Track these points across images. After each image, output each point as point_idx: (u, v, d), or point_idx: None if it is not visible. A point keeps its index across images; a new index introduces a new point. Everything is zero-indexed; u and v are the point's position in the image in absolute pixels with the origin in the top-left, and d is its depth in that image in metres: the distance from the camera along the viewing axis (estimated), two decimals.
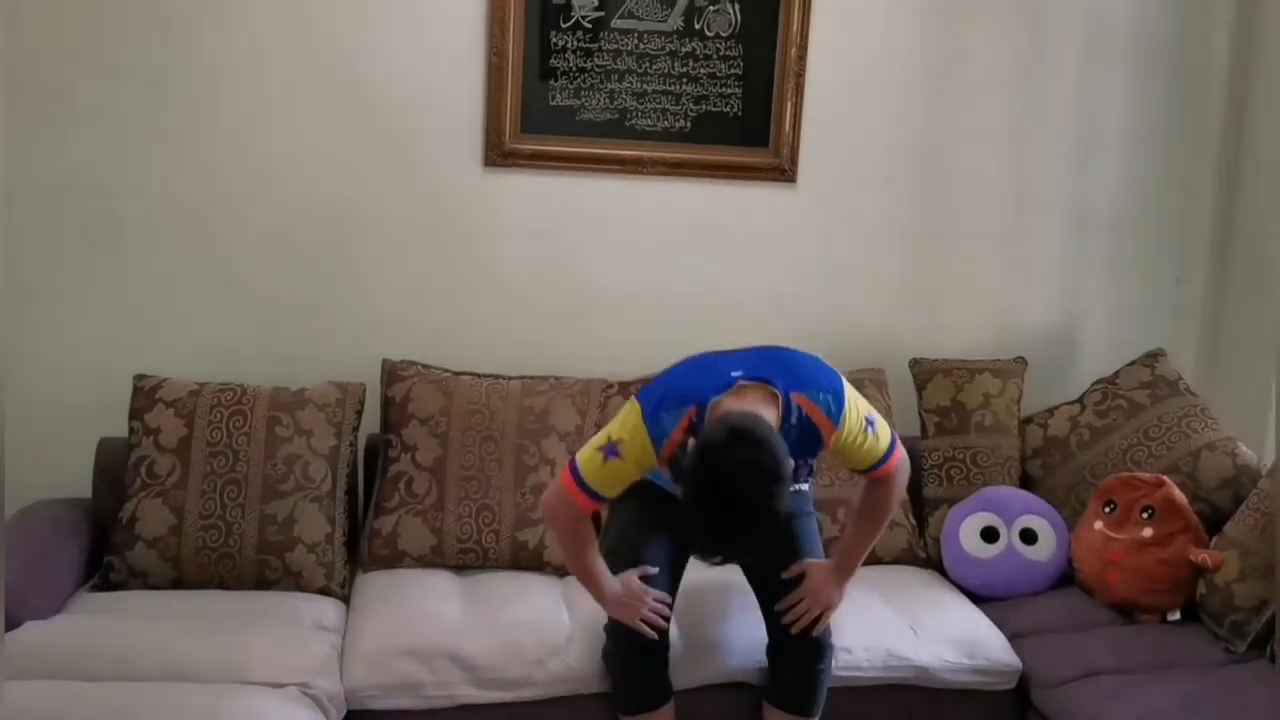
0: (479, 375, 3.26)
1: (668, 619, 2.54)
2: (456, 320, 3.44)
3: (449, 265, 3.42)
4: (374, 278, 3.40)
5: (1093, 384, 3.49)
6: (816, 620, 2.56)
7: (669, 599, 2.57)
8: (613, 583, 2.55)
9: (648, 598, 2.53)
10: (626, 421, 2.39)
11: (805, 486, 2.71)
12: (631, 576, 2.56)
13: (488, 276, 3.44)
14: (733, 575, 2.65)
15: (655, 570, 2.57)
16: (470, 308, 3.44)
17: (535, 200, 3.42)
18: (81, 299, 3.27)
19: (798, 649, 2.57)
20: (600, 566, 2.55)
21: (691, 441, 2.28)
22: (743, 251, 3.54)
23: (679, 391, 2.37)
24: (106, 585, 2.89)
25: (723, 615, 2.78)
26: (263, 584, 2.93)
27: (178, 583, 2.91)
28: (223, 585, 2.92)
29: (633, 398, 2.43)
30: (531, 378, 3.27)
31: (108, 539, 2.94)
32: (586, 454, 2.42)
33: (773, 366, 2.39)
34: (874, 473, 2.51)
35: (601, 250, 3.47)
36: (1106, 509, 3.07)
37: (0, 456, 1.96)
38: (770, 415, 2.29)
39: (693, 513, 2.20)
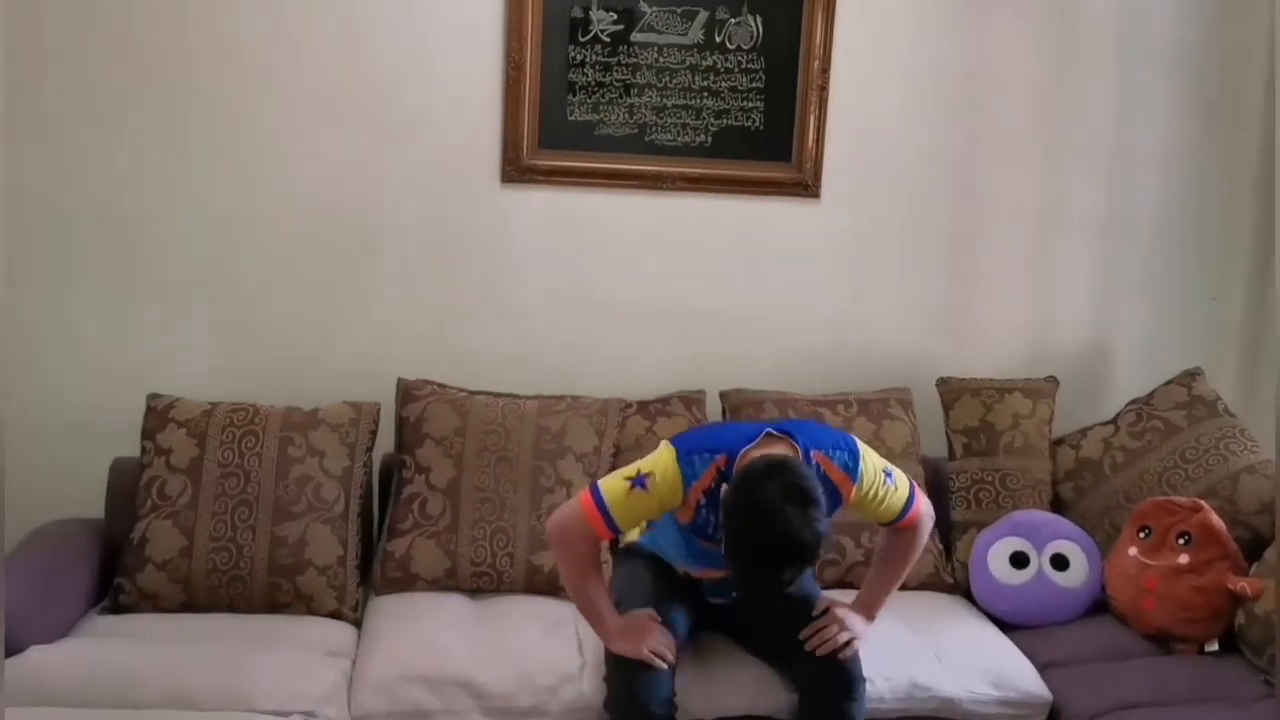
0: (495, 395, 3.20)
1: (672, 660, 2.46)
2: (473, 338, 3.39)
3: (466, 282, 3.37)
4: (390, 295, 3.36)
5: (1127, 404, 3.38)
6: (844, 646, 2.49)
7: (673, 640, 2.49)
8: (616, 615, 2.51)
9: (655, 630, 2.47)
10: (660, 459, 2.41)
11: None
12: (638, 613, 2.51)
13: (505, 293, 3.39)
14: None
15: (660, 622, 2.50)
16: (487, 325, 3.39)
17: (553, 216, 3.37)
18: (96, 317, 3.25)
19: (828, 682, 2.49)
20: (605, 598, 2.53)
21: (721, 488, 2.35)
22: (765, 268, 3.47)
23: (711, 439, 2.46)
24: (116, 608, 2.85)
25: (747, 655, 2.69)
26: (273, 607, 2.88)
27: (188, 605, 2.86)
28: (233, 608, 2.87)
29: (666, 441, 2.47)
30: (548, 397, 3.21)
31: (119, 560, 2.90)
32: (612, 481, 2.44)
33: (793, 426, 2.48)
34: (898, 524, 2.55)
35: (621, 267, 3.41)
36: (1141, 534, 2.97)
37: None
38: None
39: (732, 540, 2.22)
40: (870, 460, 2.47)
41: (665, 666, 2.43)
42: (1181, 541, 2.88)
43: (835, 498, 2.41)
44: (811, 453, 2.40)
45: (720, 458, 2.37)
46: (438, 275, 3.35)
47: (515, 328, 3.40)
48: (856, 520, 3.07)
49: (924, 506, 2.55)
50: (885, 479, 2.47)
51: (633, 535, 2.78)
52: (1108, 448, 3.29)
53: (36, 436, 3.24)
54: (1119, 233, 3.61)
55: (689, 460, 2.38)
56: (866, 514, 2.53)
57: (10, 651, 2.43)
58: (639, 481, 2.39)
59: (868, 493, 2.45)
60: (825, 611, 2.55)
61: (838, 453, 2.44)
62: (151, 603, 2.85)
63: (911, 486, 2.53)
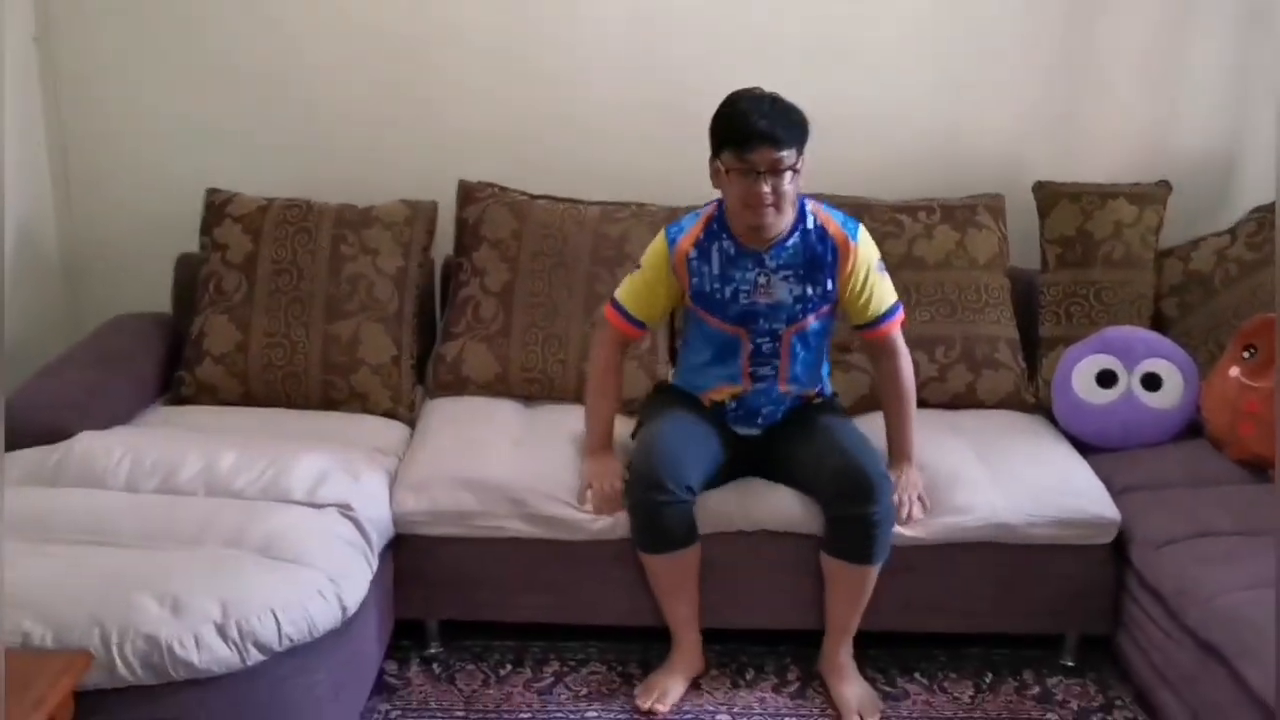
0: (557, 199, 3.08)
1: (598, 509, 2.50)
2: (539, 142, 3.25)
3: (531, 83, 3.21)
4: (455, 97, 3.23)
5: (1249, 212, 3.06)
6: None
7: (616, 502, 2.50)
8: (605, 445, 2.58)
9: (609, 481, 2.50)
10: (653, 241, 2.56)
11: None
12: (615, 464, 2.54)
13: (571, 94, 3.22)
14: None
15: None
16: (554, 128, 3.24)
17: (621, 16, 3.16)
18: (164, 113, 3.22)
19: (847, 491, 2.38)
20: (607, 423, 2.59)
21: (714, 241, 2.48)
22: (854, 60, 3.20)
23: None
24: (178, 399, 2.91)
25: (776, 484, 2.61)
26: (329, 404, 2.89)
27: (246, 399, 2.90)
28: (290, 404, 2.89)
29: None
30: (612, 204, 3.07)
31: (181, 354, 2.94)
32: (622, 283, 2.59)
33: None
34: (878, 328, 2.53)
35: (695, 63, 3.17)
36: (1246, 354, 2.70)
37: None
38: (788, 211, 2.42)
39: (724, 118, 2.36)
40: (867, 240, 2.51)
41: (589, 513, 2.49)
42: (1278, 357, 2.62)
43: (832, 255, 2.45)
44: (807, 202, 2.47)
45: (710, 207, 2.50)
46: (502, 75, 3.20)
47: (583, 130, 3.24)
48: (927, 333, 2.90)
49: (902, 320, 2.57)
50: (878, 266, 2.51)
51: (668, 375, 2.81)
52: (1220, 260, 3.00)
53: (107, 232, 3.29)
54: (1259, 16, 3.17)
55: (675, 225, 2.52)
56: (854, 303, 2.51)
57: (61, 437, 2.49)
58: (636, 266, 2.55)
59: (861, 268, 2.46)
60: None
61: (836, 213, 2.50)
62: (211, 395, 2.89)
63: (898, 299, 2.56)
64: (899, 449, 2.57)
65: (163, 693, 1.96)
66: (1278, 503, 2.28)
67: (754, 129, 2.29)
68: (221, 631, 1.98)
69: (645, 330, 2.61)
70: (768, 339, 2.50)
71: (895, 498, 2.44)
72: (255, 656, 2.02)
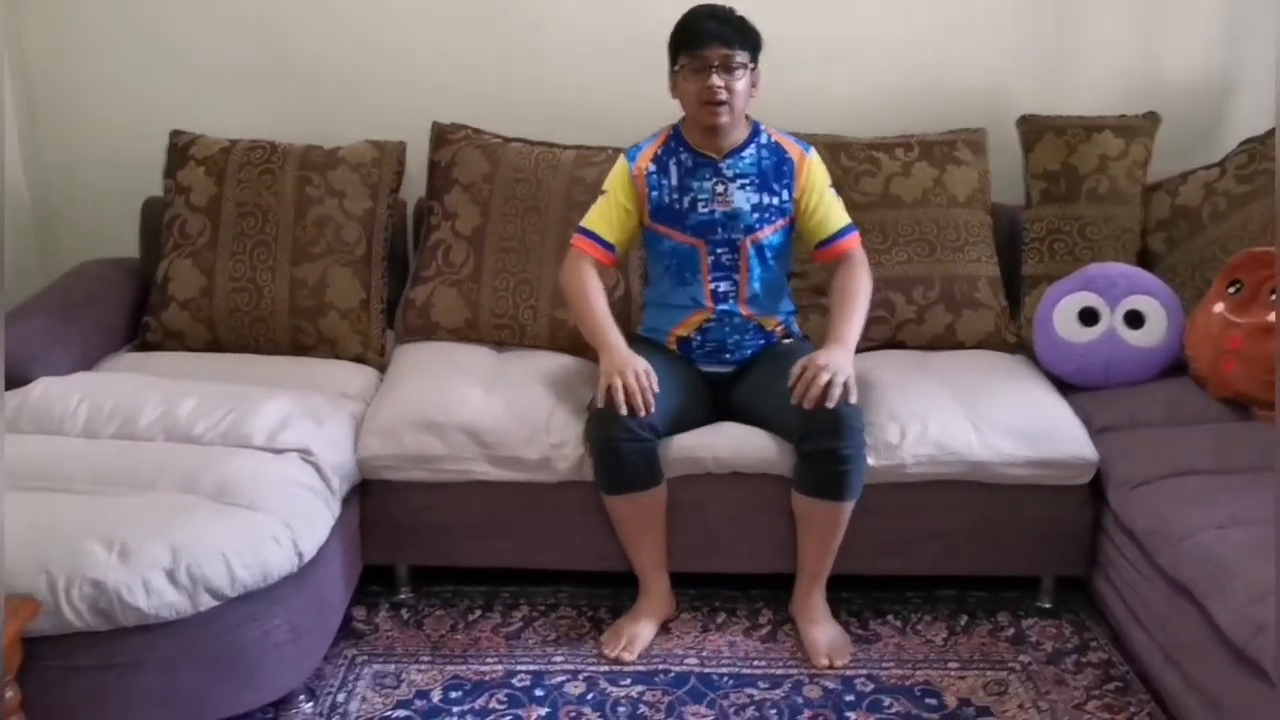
0: (531, 143, 3.01)
1: (649, 409, 2.35)
2: (515, 82, 3.18)
3: (507, 20, 3.14)
4: (427, 34, 3.15)
5: (1239, 144, 2.97)
6: (827, 391, 2.31)
7: (655, 392, 2.38)
8: (620, 340, 2.47)
9: (644, 375, 2.37)
10: (614, 167, 2.61)
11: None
12: (640, 359, 2.41)
13: (542, 33, 3.15)
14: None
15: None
16: (530, 67, 3.17)
17: None
18: (127, 55, 3.16)
19: (816, 428, 2.32)
20: (609, 317, 2.51)
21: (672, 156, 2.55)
22: None
23: None
24: (145, 345, 2.87)
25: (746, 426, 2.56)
26: (299, 349, 2.85)
27: (214, 345, 2.86)
28: (258, 349, 2.86)
29: None
30: (588, 148, 3.00)
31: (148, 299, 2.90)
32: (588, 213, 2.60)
33: None
34: (834, 244, 2.56)
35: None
36: (1231, 289, 2.63)
37: None
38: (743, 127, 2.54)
39: (680, 24, 2.47)
40: (820, 161, 2.60)
41: (625, 412, 2.33)
42: (1276, 297, 2.54)
43: (786, 166, 2.54)
44: (764, 125, 2.57)
45: (667, 128, 2.58)
46: (476, 14, 3.13)
47: (557, 72, 3.16)
48: (904, 274, 2.85)
49: (859, 240, 2.60)
50: (831, 188, 2.58)
51: (637, 329, 2.73)
52: (1209, 193, 2.92)
53: (76, 178, 3.24)
54: None
55: (634, 147, 2.59)
56: (809, 219, 2.56)
57: (21, 383, 2.45)
58: (600, 194, 2.59)
59: (815, 181, 2.54)
60: (802, 370, 2.36)
61: (791, 136, 2.60)
62: (178, 341, 2.86)
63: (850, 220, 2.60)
64: (838, 334, 2.44)
65: (113, 639, 1.95)
66: (1278, 451, 2.21)
67: (706, 28, 2.42)
68: (171, 577, 1.96)
69: (615, 255, 2.56)
70: (726, 249, 2.53)
71: (812, 374, 2.31)
72: (207, 602, 2.00)
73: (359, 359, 2.86)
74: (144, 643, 1.97)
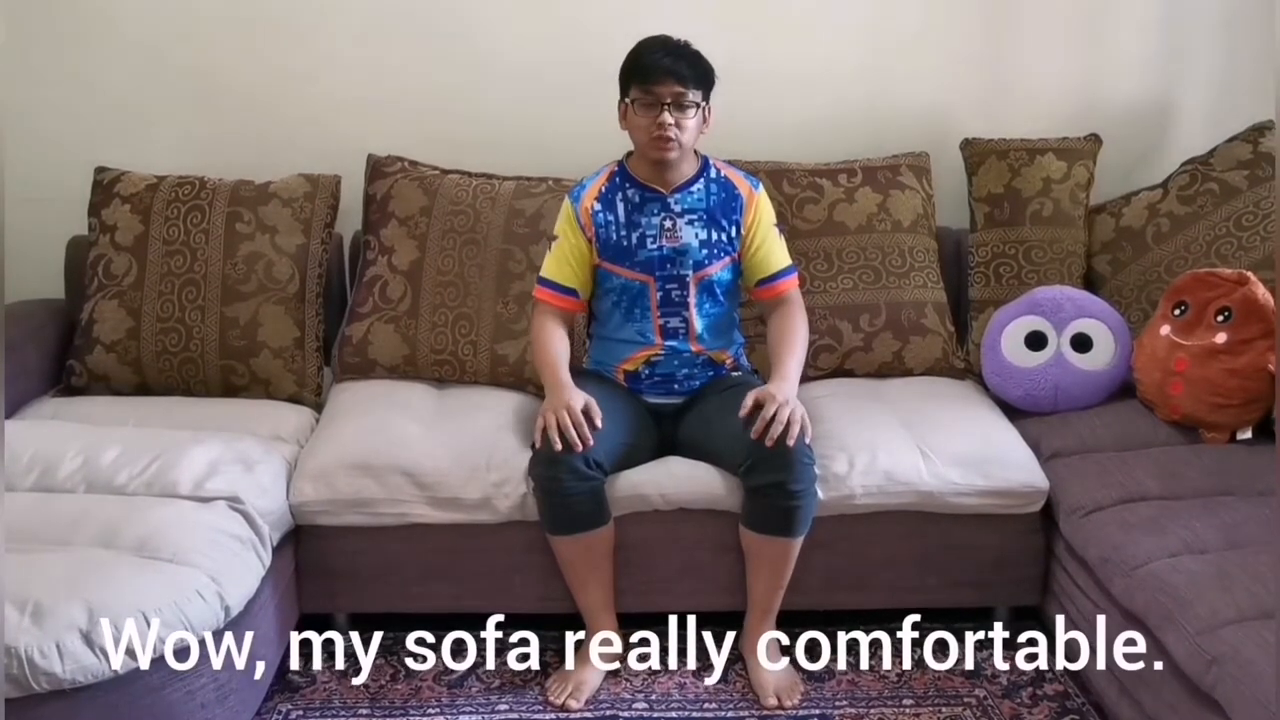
0: (469, 174, 2.95)
1: (586, 444, 2.28)
2: (453, 113, 3.12)
3: (443, 50, 3.08)
4: (362, 64, 3.08)
5: (1181, 165, 2.97)
6: (787, 430, 2.26)
7: (596, 430, 2.31)
8: (566, 378, 2.41)
9: (578, 411, 2.30)
10: (560, 212, 2.56)
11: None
12: (582, 395, 2.35)
13: (486, 59, 3.09)
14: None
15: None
16: (467, 96, 3.11)
17: None
18: (48, 90, 3.07)
19: (765, 461, 2.27)
20: (559, 360, 2.44)
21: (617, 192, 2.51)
22: (776, 18, 3.08)
23: None
24: (69, 390, 2.77)
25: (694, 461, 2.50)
26: (230, 390, 2.77)
27: (142, 389, 2.77)
28: (189, 391, 2.77)
29: None
30: (528, 178, 2.93)
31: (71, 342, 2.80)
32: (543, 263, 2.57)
33: None
34: (774, 284, 2.53)
35: (614, 21, 3.01)
36: (1176, 311, 2.62)
37: None
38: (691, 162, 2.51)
39: (632, 55, 2.41)
40: (766, 197, 2.56)
41: (559, 446, 2.26)
42: (1220, 318, 2.53)
43: (734, 200, 2.50)
44: (711, 159, 2.54)
45: (611, 164, 2.54)
46: (412, 43, 3.07)
47: (494, 100, 3.10)
48: (850, 301, 2.81)
49: (799, 292, 2.58)
50: (776, 225, 2.55)
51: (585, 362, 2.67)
52: (1153, 214, 2.91)
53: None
54: None
55: (578, 187, 2.54)
56: (750, 255, 2.52)
57: None
58: (552, 239, 2.55)
59: (761, 217, 2.51)
60: (754, 406, 2.31)
61: (739, 170, 2.57)
62: (104, 385, 2.76)
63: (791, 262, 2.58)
64: (781, 374, 2.40)
65: (27, 706, 1.84)
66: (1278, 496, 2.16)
67: (659, 63, 2.36)
68: (87, 638, 1.86)
69: (579, 300, 2.52)
70: (675, 285, 2.49)
71: (772, 410, 2.26)
72: (127, 664, 1.90)
73: (294, 399, 2.78)
74: (61, 709, 1.86)
